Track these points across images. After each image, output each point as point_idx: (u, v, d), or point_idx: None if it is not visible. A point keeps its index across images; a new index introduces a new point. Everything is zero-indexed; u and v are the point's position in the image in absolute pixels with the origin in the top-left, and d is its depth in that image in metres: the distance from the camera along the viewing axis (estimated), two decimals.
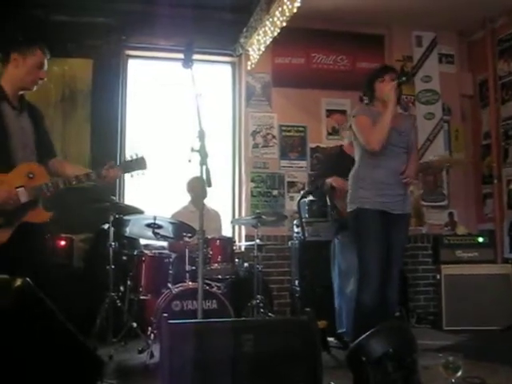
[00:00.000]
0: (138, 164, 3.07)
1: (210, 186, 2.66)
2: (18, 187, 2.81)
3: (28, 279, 2.00)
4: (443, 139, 6.28)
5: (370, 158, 3.47)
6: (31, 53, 2.97)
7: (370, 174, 3.49)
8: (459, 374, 2.50)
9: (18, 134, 2.91)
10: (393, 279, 3.48)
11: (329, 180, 4.24)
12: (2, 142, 2.85)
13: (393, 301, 3.51)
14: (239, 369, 2.14)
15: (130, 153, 3.12)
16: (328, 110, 6.15)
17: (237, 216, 5.94)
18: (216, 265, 4.20)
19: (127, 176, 3.13)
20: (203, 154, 2.65)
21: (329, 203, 4.33)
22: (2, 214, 2.78)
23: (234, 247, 4.63)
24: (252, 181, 5.93)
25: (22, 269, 2.64)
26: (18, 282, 1.97)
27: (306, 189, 5.85)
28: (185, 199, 5.17)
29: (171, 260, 4.22)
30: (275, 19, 5.03)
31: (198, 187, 4.87)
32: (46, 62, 3.04)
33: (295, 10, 4.70)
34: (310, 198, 5.26)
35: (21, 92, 3.02)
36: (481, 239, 5.61)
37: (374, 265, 3.40)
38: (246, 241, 5.63)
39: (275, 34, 5.13)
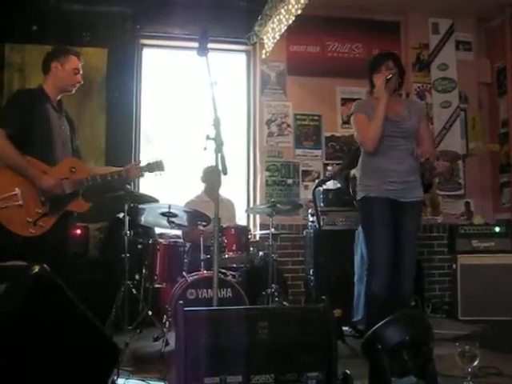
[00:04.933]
0: (158, 166, 3.49)
1: (225, 173, 2.65)
2: (62, 179, 3.21)
3: (45, 266, 2.02)
4: (460, 128, 6.20)
5: None
6: (67, 59, 3.38)
7: (373, 162, 3.49)
8: (475, 363, 2.49)
9: (59, 133, 3.31)
10: (405, 268, 3.43)
11: (354, 170, 4.21)
12: (47, 138, 3.23)
13: (407, 290, 3.46)
14: (254, 357, 2.14)
15: (150, 157, 3.53)
16: (343, 99, 6.10)
17: (252, 205, 5.94)
18: (231, 253, 4.21)
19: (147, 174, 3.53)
20: (219, 142, 2.64)
21: (351, 193, 4.31)
22: (49, 203, 3.15)
23: (249, 236, 4.64)
24: (267, 170, 5.92)
25: (57, 254, 3.11)
26: (36, 268, 1.99)
27: (321, 177, 5.83)
28: (198, 188, 5.18)
29: (186, 248, 4.23)
30: (290, 7, 4.98)
31: (213, 176, 4.88)
32: (80, 66, 3.43)
33: None
34: (332, 186, 5.24)
35: (61, 95, 3.42)
36: (497, 229, 5.56)
37: (381, 253, 3.38)
38: (261, 230, 5.63)
39: (290, 21, 5.09)
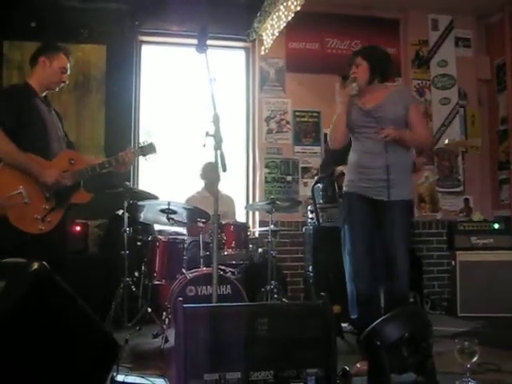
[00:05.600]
0: (150, 149, 3.49)
1: (224, 170, 2.65)
2: (63, 171, 3.21)
3: (44, 262, 2.02)
4: (459, 124, 6.20)
5: (352, 142, 3.44)
6: (57, 56, 3.31)
7: (353, 158, 3.43)
8: (474, 359, 2.50)
9: (52, 127, 3.29)
10: (394, 266, 3.26)
11: (340, 168, 4.21)
12: (43, 133, 3.21)
13: (397, 290, 3.28)
14: (253, 353, 2.15)
15: (142, 139, 3.52)
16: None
17: (251, 202, 5.94)
18: (230, 250, 4.21)
19: (142, 160, 3.55)
20: (218, 139, 2.64)
21: (337, 190, 4.30)
22: (54, 198, 3.17)
23: (248, 233, 4.64)
24: (266, 167, 5.92)
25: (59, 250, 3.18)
26: (35, 265, 1.99)
27: (320, 174, 5.83)
28: (198, 184, 5.18)
29: (185, 245, 4.23)
30: (289, 3, 4.98)
31: (212, 173, 4.88)
32: (68, 66, 3.37)
33: None
34: (321, 184, 5.24)
35: (45, 92, 3.34)
36: (496, 226, 5.56)
37: (357, 252, 3.29)
38: (260, 226, 5.63)
39: (289, 18, 5.08)
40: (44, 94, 3.34)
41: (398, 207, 3.26)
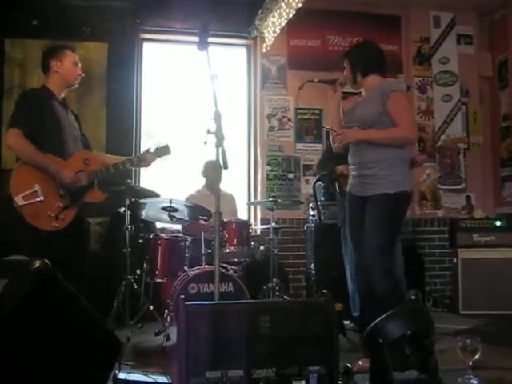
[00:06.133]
0: (165, 150, 3.64)
1: (226, 168, 2.64)
2: (78, 171, 3.32)
3: (46, 260, 2.03)
4: (461, 122, 6.20)
5: None
6: (64, 55, 3.44)
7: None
8: (477, 356, 2.50)
9: (68, 128, 3.40)
10: (370, 268, 3.12)
11: (340, 167, 4.19)
12: (57, 135, 3.31)
13: (375, 290, 3.10)
14: (255, 351, 2.15)
15: (156, 142, 3.67)
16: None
17: (252, 199, 5.94)
18: (232, 248, 4.21)
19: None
20: (219, 136, 2.64)
21: (337, 190, 4.29)
22: (68, 196, 3.27)
23: (250, 230, 4.64)
24: (267, 164, 5.92)
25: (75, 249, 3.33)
26: (37, 263, 1.99)
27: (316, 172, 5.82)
28: (199, 183, 5.18)
29: (187, 243, 4.23)
30: (290, 0, 4.97)
31: (213, 171, 4.88)
32: (78, 58, 3.51)
33: None
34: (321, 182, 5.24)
35: (66, 91, 3.50)
36: (498, 223, 5.55)
37: (348, 247, 3.39)
38: (262, 224, 5.63)
39: (290, 15, 5.08)
40: (63, 95, 3.47)
41: (376, 201, 3.16)
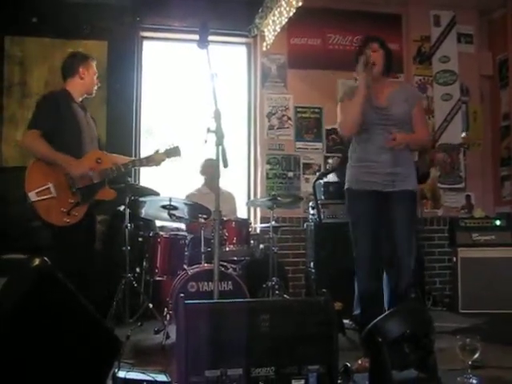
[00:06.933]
0: (175, 152, 3.77)
1: (226, 166, 2.64)
2: (90, 169, 3.43)
3: (46, 258, 2.03)
4: (461, 121, 6.19)
5: (358, 137, 3.40)
6: (89, 65, 3.64)
7: (359, 152, 3.41)
8: (476, 355, 2.49)
9: (86, 130, 3.55)
10: (401, 263, 3.29)
11: None
12: (76, 136, 3.45)
13: (402, 284, 3.30)
14: (255, 349, 2.15)
15: (166, 143, 3.80)
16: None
17: (252, 198, 5.94)
18: (231, 246, 4.21)
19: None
20: (219, 135, 2.64)
21: None
22: (79, 193, 3.37)
23: (250, 229, 4.64)
24: (267, 163, 5.91)
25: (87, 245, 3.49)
26: (37, 261, 1.99)
27: (322, 170, 5.82)
28: (199, 181, 5.18)
29: (187, 241, 4.23)
30: None
31: (212, 169, 4.87)
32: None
33: None
34: (332, 179, 5.23)
35: (84, 97, 3.65)
36: (498, 222, 5.54)
37: (362, 247, 3.32)
38: (262, 223, 5.63)
39: (291, 14, 5.06)
40: (80, 99, 3.61)
41: (405, 197, 3.32)
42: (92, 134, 3.62)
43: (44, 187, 3.27)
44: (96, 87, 3.70)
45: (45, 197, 3.26)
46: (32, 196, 3.24)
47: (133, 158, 3.75)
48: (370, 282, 3.34)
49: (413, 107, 3.40)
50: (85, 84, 3.61)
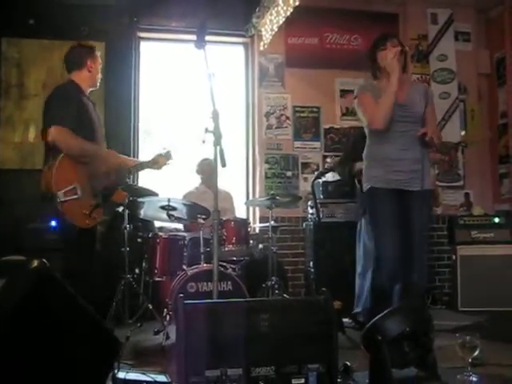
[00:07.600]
0: (168, 156, 3.76)
1: (224, 166, 2.64)
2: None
3: (44, 260, 2.02)
4: (459, 119, 6.19)
5: (377, 135, 3.37)
6: (96, 57, 3.56)
7: (379, 151, 3.38)
8: (476, 353, 2.50)
9: (98, 126, 3.50)
10: (417, 262, 3.28)
11: (360, 163, 4.17)
12: (92, 128, 3.39)
13: (418, 284, 3.29)
14: (254, 349, 2.15)
15: (159, 149, 3.80)
16: (342, 91, 6.08)
17: (251, 198, 5.94)
18: (231, 246, 4.21)
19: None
20: (217, 135, 2.64)
21: (357, 185, 4.28)
22: (101, 195, 3.38)
23: (249, 229, 4.63)
24: (266, 162, 5.91)
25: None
26: (35, 262, 1.98)
27: (321, 169, 5.82)
28: (196, 181, 5.18)
29: (186, 242, 4.23)
30: None
31: (208, 168, 4.88)
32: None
33: None
34: (331, 178, 5.23)
35: (90, 90, 3.57)
36: (497, 220, 5.55)
37: (388, 247, 3.28)
38: (261, 222, 5.63)
39: (288, 13, 5.07)
40: (88, 91, 3.55)
41: (424, 197, 3.34)
42: (102, 130, 3.58)
43: (71, 187, 3.19)
44: (99, 80, 3.64)
45: (71, 197, 3.18)
46: (60, 196, 3.14)
47: (141, 160, 3.76)
48: (389, 282, 3.30)
49: (427, 105, 3.41)
50: (92, 77, 3.54)
